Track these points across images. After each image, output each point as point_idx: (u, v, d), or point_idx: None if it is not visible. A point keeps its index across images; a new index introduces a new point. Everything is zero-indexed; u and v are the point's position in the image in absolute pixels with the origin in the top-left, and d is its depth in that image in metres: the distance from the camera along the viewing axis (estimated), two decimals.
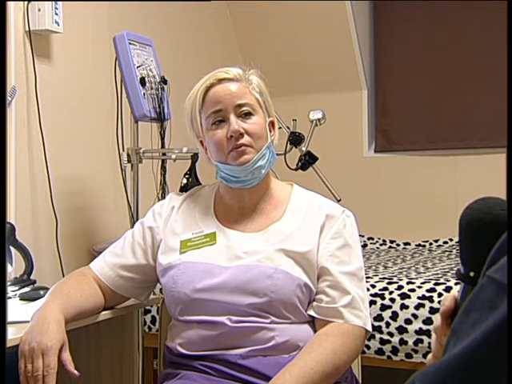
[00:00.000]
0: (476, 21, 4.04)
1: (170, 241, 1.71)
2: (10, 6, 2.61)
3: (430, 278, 2.73)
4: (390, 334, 2.54)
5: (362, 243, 4.00)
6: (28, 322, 1.58)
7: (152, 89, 2.72)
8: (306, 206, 1.71)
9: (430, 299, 2.52)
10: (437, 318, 0.85)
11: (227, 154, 1.65)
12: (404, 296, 2.57)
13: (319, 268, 1.63)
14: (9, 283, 2.10)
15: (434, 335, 0.86)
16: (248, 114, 1.66)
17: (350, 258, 1.66)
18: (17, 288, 2.11)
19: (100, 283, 1.74)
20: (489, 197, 0.82)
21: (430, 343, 2.42)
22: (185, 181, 2.58)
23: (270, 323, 1.59)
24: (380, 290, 2.62)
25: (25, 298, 1.99)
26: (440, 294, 2.53)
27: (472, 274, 0.80)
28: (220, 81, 1.67)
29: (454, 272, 2.95)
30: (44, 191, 2.74)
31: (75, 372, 1.51)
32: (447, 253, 3.73)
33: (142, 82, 2.67)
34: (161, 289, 2.23)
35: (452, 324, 0.72)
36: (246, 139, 1.64)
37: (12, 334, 1.57)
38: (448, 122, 4.13)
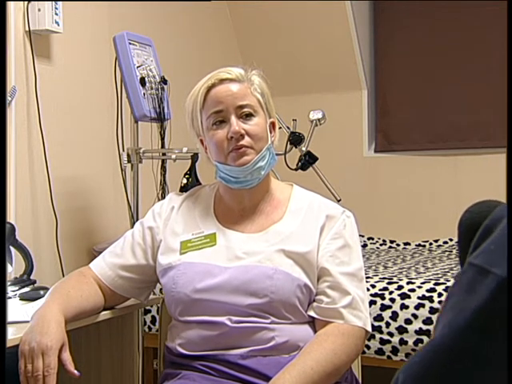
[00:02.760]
0: (476, 21, 4.04)
1: (169, 241, 1.71)
2: (10, 5, 2.61)
3: (430, 278, 2.73)
4: (390, 334, 2.54)
5: (362, 243, 4.00)
6: (28, 322, 1.58)
7: (152, 89, 2.72)
8: (305, 206, 1.71)
9: (430, 299, 2.52)
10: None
11: (227, 154, 1.65)
12: (404, 296, 2.57)
13: (319, 269, 1.63)
14: (9, 283, 2.10)
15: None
16: (249, 115, 1.66)
17: (350, 258, 1.66)
18: (17, 288, 2.11)
19: (100, 283, 1.74)
20: (488, 200, 0.81)
21: None
22: (185, 181, 2.59)
23: (270, 323, 1.59)
24: (380, 290, 2.62)
25: (25, 297, 1.99)
26: (440, 294, 2.53)
27: None
28: (222, 81, 1.67)
29: (454, 272, 2.95)
30: (44, 191, 2.74)
31: (75, 372, 1.51)
32: (447, 253, 3.73)
33: (142, 82, 2.67)
34: (161, 289, 2.23)
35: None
36: (246, 140, 1.64)
37: (12, 334, 1.57)
38: (448, 121, 4.13)
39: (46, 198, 2.75)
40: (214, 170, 1.72)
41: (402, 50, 4.25)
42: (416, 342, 2.49)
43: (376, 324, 2.54)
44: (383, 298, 2.59)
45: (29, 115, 2.70)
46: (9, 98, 2.55)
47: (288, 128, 2.70)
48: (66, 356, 1.51)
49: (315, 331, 1.62)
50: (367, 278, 2.65)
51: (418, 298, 2.54)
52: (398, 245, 4.08)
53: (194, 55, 3.86)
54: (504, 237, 0.67)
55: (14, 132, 2.61)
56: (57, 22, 2.73)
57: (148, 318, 2.93)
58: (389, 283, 2.65)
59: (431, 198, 4.11)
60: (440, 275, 2.83)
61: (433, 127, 4.18)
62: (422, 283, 2.61)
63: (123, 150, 2.78)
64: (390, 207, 4.19)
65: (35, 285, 2.19)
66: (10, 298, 1.99)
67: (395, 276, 2.80)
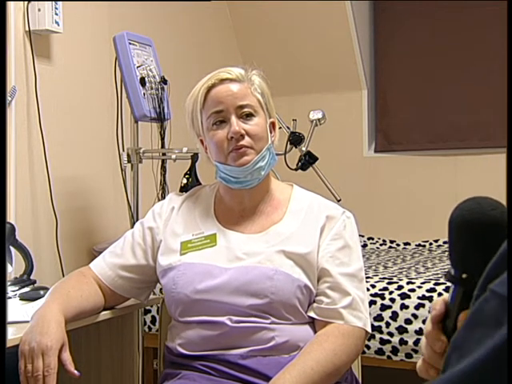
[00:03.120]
0: (476, 21, 4.04)
1: (170, 242, 1.71)
2: (10, 5, 2.61)
3: (430, 278, 2.73)
4: (390, 334, 2.53)
5: (362, 243, 4.00)
6: (28, 322, 1.58)
7: (152, 89, 2.72)
8: (306, 207, 1.71)
9: (430, 299, 2.52)
10: (427, 324, 0.84)
11: (227, 154, 1.65)
12: (404, 296, 2.57)
13: (319, 269, 1.63)
14: (9, 283, 2.10)
15: (423, 340, 0.85)
16: (249, 115, 1.66)
17: (350, 259, 1.66)
18: (17, 288, 2.11)
19: (100, 283, 1.74)
20: (478, 196, 0.81)
21: None
22: (185, 181, 2.58)
23: (270, 324, 1.59)
24: (380, 290, 2.62)
25: (25, 298, 1.99)
26: (440, 294, 2.52)
27: (465, 275, 0.79)
28: (222, 81, 1.67)
29: None
30: (44, 191, 2.74)
31: (75, 372, 1.51)
32: (447, 253, 3.73)
33: (142, 82, 2.67)
34: (161, 289, 2.23)
35: (452, 338, 0.71)
36: (246, 140, 1.64)
37: (12, 334, 1.57)
38: (448, 122, 4.13)
39: (45, 198, 2.74)
40: (214, 170, 1.72)
41: (402, 50, 4.25)
42: (416, 342, 2.49)
43: (376, 324, 2.54)
44: (383, 298, 2.59)
45: (29, 115, 2.70)
46: (9, 98, 2.55)
47: (288, 128, 2.70)
48: (66, 356, 1.51)
49: (315, 331, 1.62)
50: (367, 277, 2.65)
51: (418, 298, 2.54)
52: (398, 245, 4.07)
53: (193, 55, 3.86)
54: None
55: (14, 132, 2.61)
56: (57, 22, 2.73)
57: (148, 318, 2.93)
58: (389, 283, 2.65)
59: (431, 198, 4.10)
60: (440, 275, 2.83)
61: (433, 127, 4.18)
62: (422, 283, 2.61)
63: (123, 150, 2.78)
64: (390, 207, 4.19)
65: (35, 285, 2.19)
66: (10, 297, 1.99)
67: (395, 276, 2.80)
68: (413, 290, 2.57)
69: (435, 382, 0.68)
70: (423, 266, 3.20)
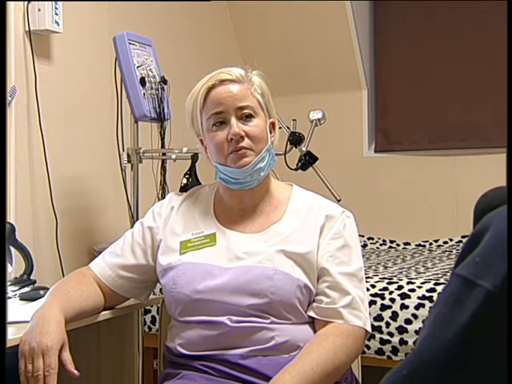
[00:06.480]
0: (476, 21, 4.04)
1: (169, 241, 1.71)
2: (10, 5, 2.61)
3: (430, 278, 2.73)
4: (390, 334, 2.54)
5: (362, 243, 4.00)
6: (28, 322, 1.58)
7: (152, 89, 2.72)
8: (305, 206, 1.71)
9: (430, 299, 2.52)
10: None
11: (227, 155, 1.65)
12: (404, 296, 2.57)
13: (319, 269, 1.63)
14: (9, 283, 2.10)
15: None
16: (249, 117, 1.66)
17: (350, 258, 1.66)
18: (17, 288, 2.11)
19: (100, 283, 1.74)
20: (505, 186, 0.80)
21: None
22: (185, 181, 2.59)
23: (270, 323, 1.59)
24: (380, 290, 2.62)
25: (25, 298, 1.99)
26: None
27: None
28: (222, 82, 1.67)
29: None
30: (44, 191, 2.74)
31: (75, 372, 1.51)
32: (447, 253, 3.73)
33: (142, 81, 2.67)
34: (161, 289, 2.23)
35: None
36: (246, 142, 1.64)
37: (12, 334, 1.57)
38: (448, 121, 4.13)
39: (45, 198, 2.74)
40: (214, 170, 1.72)
41: (402, 50, 4.25)
42: (416, 342, 2.49)
43: (376, 324, 2.54)
44: (383, 298, 2.59)
45: (29, 115, 2.70)
46: (9, 98, 2.55)
47: (288, 128, 2.70)
48: (66, 356, 1.51)
49: (315, 331, 1.62)
50: (367, 278, 2.65)
51: (418, 298, 2.54)
52: (398, 245, 4.07)
53: (193, 55, 3.86)
54: (490, 247, 0.67)
55: (14, 132, 2.61)
56: (57, 22, 2.73)
57: (148, 318, 2.93)
58: (389, 283, 2.65)
59: (431, 198, 4.11)
60: (440, 275, 2.83)
61: (433, 127, 4.18)
62: (422, 283, 2.61)
63: (123, 150, 2.78)
64: (390, 207, 4.19)
65: (35, 285, 2.19)
66: (10, 298, 1.99)
67: (395, 276, 2.80)
68: (413, 290, 2.57)
69: (405, 366, 0.69)
70: (423, 266, 3.20)
